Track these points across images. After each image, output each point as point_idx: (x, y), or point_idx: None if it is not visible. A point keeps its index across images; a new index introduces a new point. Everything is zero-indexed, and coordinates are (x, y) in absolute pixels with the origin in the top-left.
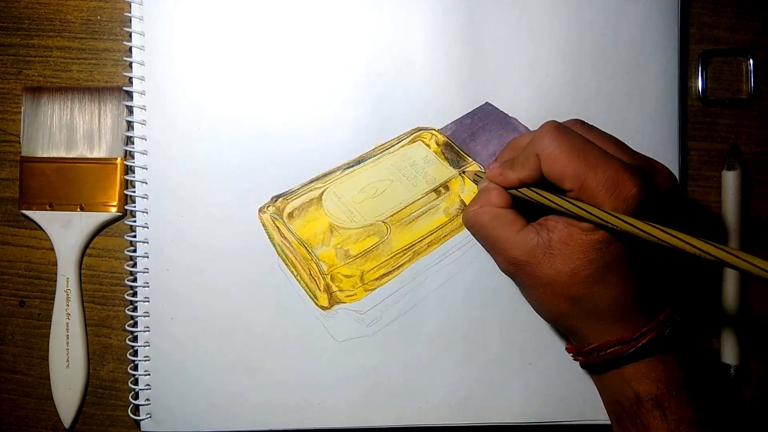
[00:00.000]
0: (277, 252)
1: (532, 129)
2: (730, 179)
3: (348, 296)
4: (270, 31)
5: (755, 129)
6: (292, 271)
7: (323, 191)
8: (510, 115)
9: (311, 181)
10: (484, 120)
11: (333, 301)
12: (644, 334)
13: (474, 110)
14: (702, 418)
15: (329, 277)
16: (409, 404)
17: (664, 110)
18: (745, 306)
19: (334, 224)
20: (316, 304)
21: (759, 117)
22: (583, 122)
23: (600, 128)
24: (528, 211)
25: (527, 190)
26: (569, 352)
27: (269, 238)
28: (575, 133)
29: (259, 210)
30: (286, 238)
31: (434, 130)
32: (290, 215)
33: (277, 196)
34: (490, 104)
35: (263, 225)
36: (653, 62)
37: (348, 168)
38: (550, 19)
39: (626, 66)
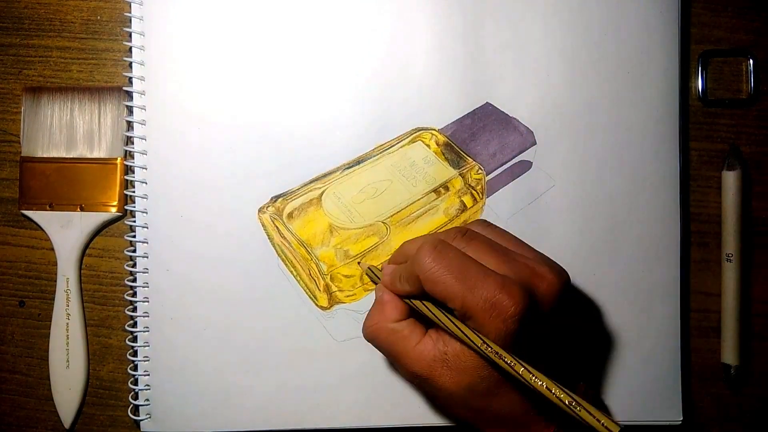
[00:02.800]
0: (277, 252)
1: (532, 129)
2: (730, 179)
3: (348, 296)
4: (270, 31)
5: (755, 129)
6: (291, 272)
7: (323, 191)
8: (510, 115)
9: (311, 182)
10: (485, 120)
11: (333, 301)
12: None
13: (474, 110)
14: None
15: (329, 277)
16: (408, 404)
17: (665, 110)
18: (745, 306)
19: (333, 224)
20: (316, 305)
21: (759, 117)
22: (465, 230)
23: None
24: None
25: (419, 302)
26: None
27: (269, 238)
28: (454, 251)
29: (259, 210)
30: (285, 239)
31: (434, 130)
32: (290, 215)
33: (277, 197)
34: (490, 104)
35: (263, 225)
36: (653, 62)
37: (348, 168)
38: (550, 19)
39: (626, 66)
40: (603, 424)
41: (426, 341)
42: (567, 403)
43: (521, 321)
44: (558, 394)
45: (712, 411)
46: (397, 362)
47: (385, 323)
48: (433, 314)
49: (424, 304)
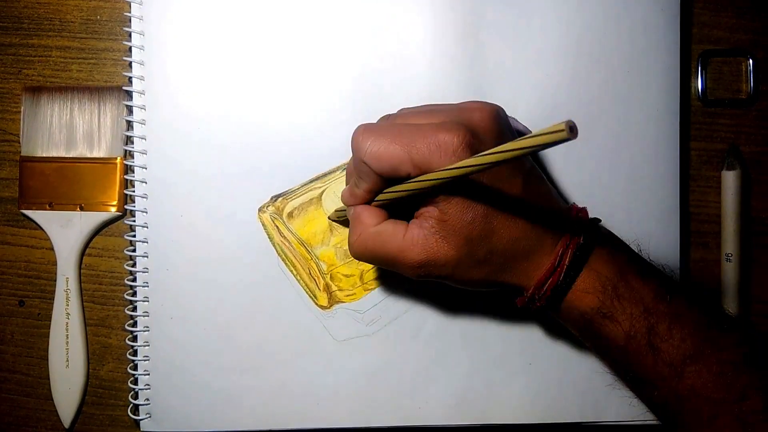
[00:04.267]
0: (277, 252)
1: (531, 129)
2: (729, 179)
3: (347, 296)
4: (270, 30)
5: (755, 129)
6: (291, 271)
7: (323, 191)
8: (510, 115)
9: (311, 181)
10: None
11: (332, 300)
12: (562, 256)
13: None
14: (658, 288)
15: (329, 276)
16: (408, 404)
17: (665, 110)
18: (745, 306)
19: (333, 224)
20: (316, 304)
21: (759, 117)
22: (387, 115)
23: (513, 124)
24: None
25: (386, 192)
26: (520, 305)
27: (269, 237)
28: (382, 124)
29: (259, 210)
30: (285, 238)
31: None
32: (290, 215)
33: (277, 196)
34: None
35: (263, 225)
36: (654, 62)
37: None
38: (550, 18)
39: (627, 65)
40: (549, 132)
41: (411, 228)
42: (516, 147)
43: (470, 149)
44: (507, 148)
45: None
46: (395, 262)
47: (367, 229)
48: (400, 189)
49: (389, 190)
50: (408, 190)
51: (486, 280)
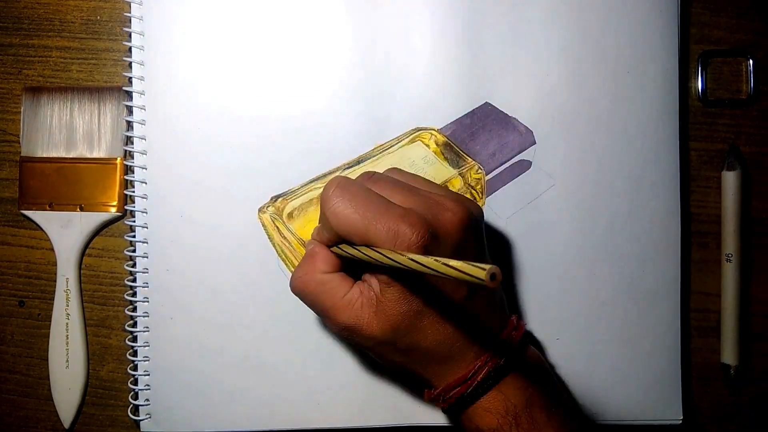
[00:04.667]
0: (277, 252)
1: (531, 128)
2: (730, 179)
3: None
4: (270, 31)
5: (755, 129)
6: (291, 272)
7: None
8: (510, 115)
9: (311, 181)
10: (484, 120)
11: None
12: (477, 371)
13: (474, 110)
14: (560, 427)
15: None
16: (408, 404)
17: (665, 110)
18: (745, 306)
19: None
20: None
21: (759, 117)
22: (372, 173)
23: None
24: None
25: (345, 247)
26: (425, 400)
27: (269, 238)
28: (357, 186)
29: (259, 210)
30: (285, 238)
31: (434, 130)
32: (290, 215)
33: (277, 196)
34: (489, 104)
35: (263, 225)
36: (653, 62)
37: (348, 168)
38: (550, 19)
39: (626, 66)
40: (472, 269)
41: (353, 290)
42: (433, 267)
43: (423, 250)
44: (422, 261)
45: (711, 411)
46: (325, 315)
47: (314, 274)
48: (349, 251)
49: (347, 246)
50: (355, 257)
51: (402, 366)
